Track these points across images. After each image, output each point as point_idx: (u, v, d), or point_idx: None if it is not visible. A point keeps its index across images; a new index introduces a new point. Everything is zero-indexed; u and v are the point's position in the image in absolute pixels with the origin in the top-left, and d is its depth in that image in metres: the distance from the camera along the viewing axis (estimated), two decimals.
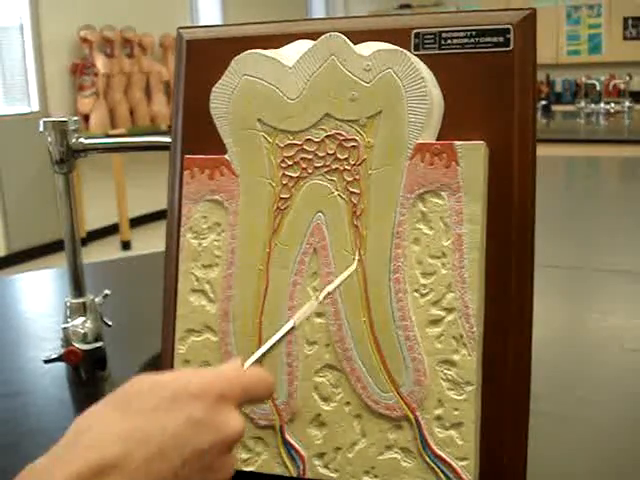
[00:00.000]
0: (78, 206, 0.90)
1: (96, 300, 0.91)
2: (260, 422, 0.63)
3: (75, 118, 0.87)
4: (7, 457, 0.74)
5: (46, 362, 0.88)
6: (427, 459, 0.58)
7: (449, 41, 0.61)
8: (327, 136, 0.62)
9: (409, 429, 0.59)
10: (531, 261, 0.59)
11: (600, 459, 0.68)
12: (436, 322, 0.59)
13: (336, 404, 0.61)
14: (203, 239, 0.66)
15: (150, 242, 5.26)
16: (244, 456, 0.63)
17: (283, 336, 0.55)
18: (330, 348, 0.61)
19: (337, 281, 0.60)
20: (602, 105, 4.86)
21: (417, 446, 0.59)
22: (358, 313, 0.60)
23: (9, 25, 5.19)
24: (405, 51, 0.60)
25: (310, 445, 0.62)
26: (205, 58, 0.68)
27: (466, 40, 0.61)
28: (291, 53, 0.64)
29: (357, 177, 0.61)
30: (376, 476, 0.60)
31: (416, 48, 0.62)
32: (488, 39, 0.60)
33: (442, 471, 0.58)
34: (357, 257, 0.61)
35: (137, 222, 5.88)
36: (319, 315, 0.62)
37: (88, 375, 0.89)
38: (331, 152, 0.62)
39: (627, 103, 4.77)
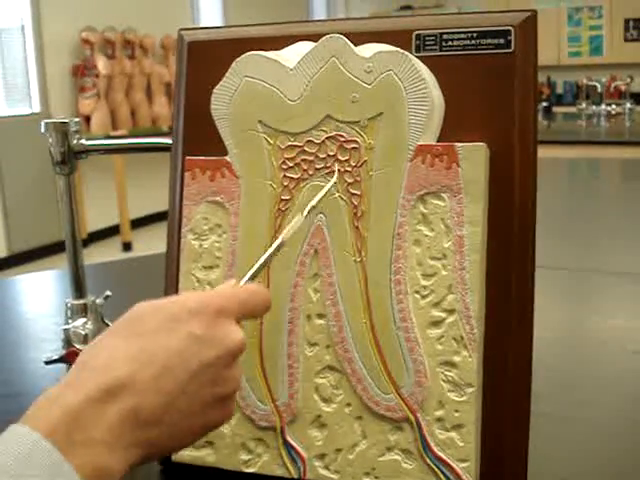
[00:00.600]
0: (79, 207, 0.90)
1: (97, 301, 0.91)
2: (261, 423, 0.63)
3: (76, 119, 0.87)
4: None
5: (47, 363, 0.88)
6: (428, 460, 0.58)
7: (450, 43, 0.61)
8: (328, 138, 0.62)
9: (410, 430, 0.59)
10: (532, 262, 0.59)
11: (601, 460, 0.68)
12: (437, 323, 0.59)
13: (337, 405, 0.61)
14: (204, 240, 0.66)
15: (151, 243, 5.27)
16: (245, 457, 0.63)
17: (274, 252, 0.55)
18: (331, 349, 0.61)
19: (321, 193, 0.59)
20: (603, 107, 4.86)
21: (418, 447, 0.59)
22: (359, 314, 0.60)
23: (10, 26, 5.20)
24: (406, 53, 0.60)
25: (311, 446, 0.62)
26: (206, 59, 0.68)
27: (467, 42, 0.61)
28: (292, 55, 0.64)
29: (358, 178, 0.61)
30: (377, 477, 0.60)
31: (417, 50, 0.62)
32: (489, 41, 0.60)
33: (443, 472, 0.58)
34: (358, 259, 0.61)
35: (138, 223, 5.88)
36: (320, 316, 0.62)
37: None
38: (332, 154, 0.62)
39: (628, 105, 4.76)
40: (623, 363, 0.90)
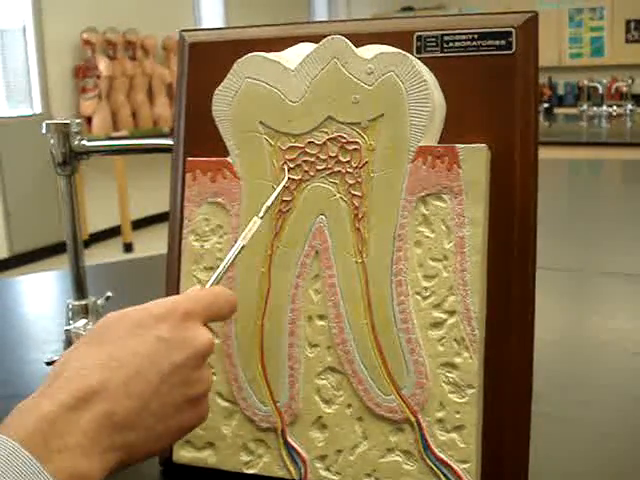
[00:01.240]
0: (80, 208, 0.90)
1: (98, 302, 0.91)
2: (262, 424, 0.63)
3: (78, 120, 0.87)
4: None
5: (48, 364, 0.88)
6: (428, 462, 0.58)
7: (451, 44, 0.61)
8: (329, 139, 0.62)
9: (411, 432, 0.59)
10: (533, 263, 0.59)
11: (601, 460, 0.68)
12: (438, 325, 0.59)
13: (338, 407, 0.61)
14: (205, 241, 0.66)
15: (152, 244, 5.27)
16: (245, 459, 0.63)
17: (235, 256, 0.57)
18: (332, 351, 0.61)
19: (275, 193, 0.61)
20: (604, 108, 4.86)
21: (418, 449, 0.59)
22: (360, 315, 0.60)
23: (12, 28, 5.20)
24: (407, 54, 0.60)
25: (312, 448, 0.62)
26: (207, 61, 0.68)
27: (468, 43, 0.61)
28: (293, 56, 0.64)
29: (359, 180, 0.61)
30: (377, 479, 0.60)
31: (418, 51, 0.62)
32: (490, 42, 0.60)
33: (443, 474, 0.58)
34: (359, 260, 0.61)
35: (139, 224, 5.89)
36: (321, 317, 0.62)
37: None
38: (333, 155, 0.62)
39: (629, 106, 4.77)
40: (623, 364, 0.90)
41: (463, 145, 0.59)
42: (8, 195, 5.00)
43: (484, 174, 0.58)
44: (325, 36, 0.62)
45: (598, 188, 2.51)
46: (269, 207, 0.60)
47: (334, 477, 0.61)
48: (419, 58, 0.61)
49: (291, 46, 0.65)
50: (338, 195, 0.62)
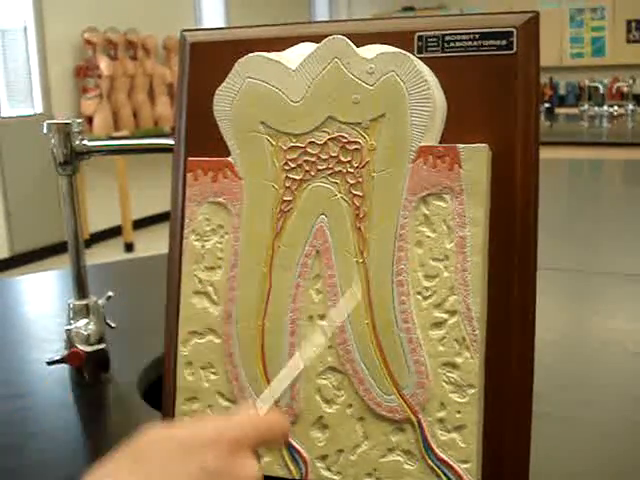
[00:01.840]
0: (81, 208, 0.91)
1: (99, 302, 0.91)
2: None
3: (79, 120, 0.87)
4: (11, 458, 0.74)
5: (49, 364, 0.88)
6: (429, 461, 0.58)
7: (452, 44, 0.61)
8: (330, 139, 0.62)
9: (411, 431, 0.59)
10: (534, 263, 0.59)
11: (601, 460, 0.68)
12: (439, 325, 0.59)
13: (339, 406, 0.61)
14: (206, 241, 0.66)
15: (153, 244, 5.27)
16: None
17: (295, 379, 0.53)
18: (333, 350, 0.61)
19: (344, 313, 0.59)
20: (605, 108, 4.85)
21: (419, 448, 0.59)
22: (361, 315, 0.60)
23: (13, 27, 5.20)
24: (408, 54, 0.60)
25: (313, 447, 0.62)
26: (208, 60, 0.68)
27: (469, 43, 0.61)
28: (294, 56, 0.64)
29: (360, 180, 0.61)
30: (378, 478, 0.60)
31: (419, 51, 0.62)
32: (491, 42, 0.60)
33: (444, 473, 0.58)
34: (360, 260, 0.61)
35: (140, 224, 5.88)
36: (322, 317, 0.62)
37: (91, 377, 0.89)
38: (334, 155, 0.62)
39: (630, 106, 4.76)
40: (623, 364, 0.90)
41: (464, 145, 0.59)
42: (9, 195, 5.00)
43: (485, 174, 0.58)
44: (326, 36, 0.62)
45: (599, 188, 2.51)
46: (337, 327, 0.59)
47: (335, 477, 0.61)
48: (420, 58, 0.61)
49: (292, 46, 0.65)
50: (339, 195, 0.62)
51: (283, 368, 0.53)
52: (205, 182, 0.66)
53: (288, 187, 0.63)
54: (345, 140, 0.62)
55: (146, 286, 1.33)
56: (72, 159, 0.86)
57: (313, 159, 0.62)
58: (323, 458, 0.61)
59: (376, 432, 0.60)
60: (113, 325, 0.92)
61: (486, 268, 0.59)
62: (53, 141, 0.86)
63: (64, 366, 0.90)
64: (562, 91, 7.55)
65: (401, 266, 0.60)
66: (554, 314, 1.08)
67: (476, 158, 0.58)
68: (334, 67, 0.62)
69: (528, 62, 0.59)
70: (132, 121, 5.84)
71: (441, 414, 0.58)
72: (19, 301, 1.37)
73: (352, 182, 0.61)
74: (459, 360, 0.58)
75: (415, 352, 0.59)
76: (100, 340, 0.90)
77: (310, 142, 0.63)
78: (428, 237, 0.59)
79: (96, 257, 4.87)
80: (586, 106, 4.81)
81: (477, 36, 0.61)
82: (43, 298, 1.37)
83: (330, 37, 0.62)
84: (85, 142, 0.87)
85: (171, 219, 0.69)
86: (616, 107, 4.88)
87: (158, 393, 0.71)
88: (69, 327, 0.89)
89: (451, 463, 0.58)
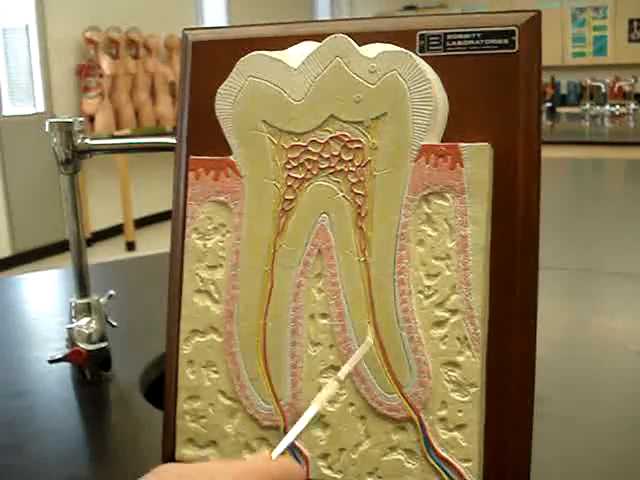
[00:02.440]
0: (83, 207, 0.91)
1: (101, 300, 0.91)
2: (264, 423, 0.63)
3: (80, 119, 0.87)
4: (12, 457, 0.74)
5: (51, 362, 0.88)
6: (431, 460, 0.58)
7: (454, 43, 0.61)
8: (332, 137, 0.62)
9: (413, 430, 0.59)
10: (535, 263, 0.59)
11: (602, 460, 0.68)
12: (440, 324, 0.59)
13: (340, 405, 0.61)
14: (208, 240, 0.66)
15: (155, 243, 5.28)
16: (248, 457, 0.63)
17: (310, 422, 0.52)
18: (334, 349, 0.61)
19: (357, 357, 0.59)
20: (607, 107, 4.85)
21: (421, 447, 0.59)
22: (362, 314, 0.60)
23: (15, 26, 5.20)
24: (410, 53, 0.60)
25: (314, 446, 0.62)
26: (210, 59, 0.68)
27: (471, 42, 0.61)
28: (296, 54, 0.64)
29: (362, 178, 0.61)
30: (380, 477, 0.60)
31: (421, 50, 0.62)
32: (493, 41, 0.60)
33: (446, 472, 0.58)
34: (362, 259, 0.61)
35: (142, 223, 5.89)
36: (323, 316, 0.62)
37: (93, 375, 0.90)
38: (336, 153, 0.62)
39: (632, 105, 4.76)
40: (624, 363, 0.90)
41: (466, 144, 0.59)
42: (11, 193, 5.01)
43: (487, 173, 0.58)
44: (328, 35, 0.62)
45: (600, 187, 2.51)
46: (350, 372, 0.58)
47: (336, 475, 0.61)
48: (422, 57, 0.61)
49: (294, 45, 0.65)
50: (341, 194, 0.62)
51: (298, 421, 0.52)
52: (207, 181, 0.66)
53: (290, 186, 0.63)
54: (347, 139, 0.62)
55: (147, 285, 1.33)
56: (74, 158, 0.86)
57: (315, 158, 0.62)
58: (324, 457, 0.61)
59: (377, 431, 0.60)
60: (115, 324, 0.92)
61: (488, 267, 0.59)
62: (55, 140, 0.86)
63: (65, 365, 0.90)
64: (564, 90, 7.55)
65: (402, 265, 0.60)
66: (555, 313, 1.08)
67: (478, 157, 0.58)
68: (336, 66, 0.62)
69: (530, 61, 0.59)
70: (134, 120, 5.85)
71: (442, 413, 0.58)
72: (21, 300, 1.38)
73: (354, 181, 0.61)
74: (461, 359, 0.58)
75: (416, 351, 0.59)
76: (101, 339, 0.90)
77: (312, 141, 0.63)
78: (430, 236, 0.59)
79: (98, 256, 4.87)
80: (588, 105, 4.81)
81: (479, 35, 0.61)
82: (45, 297, 1.37)
83: (332, 36, 0.62)
84: (87, 141, 0.87)
85: (173, 218, 0.69)
86: (618, 106, 4.89)
87: (160, 392, 0.71)
88: (71, 326, 0.89)
89: (452, 462, 0.58)
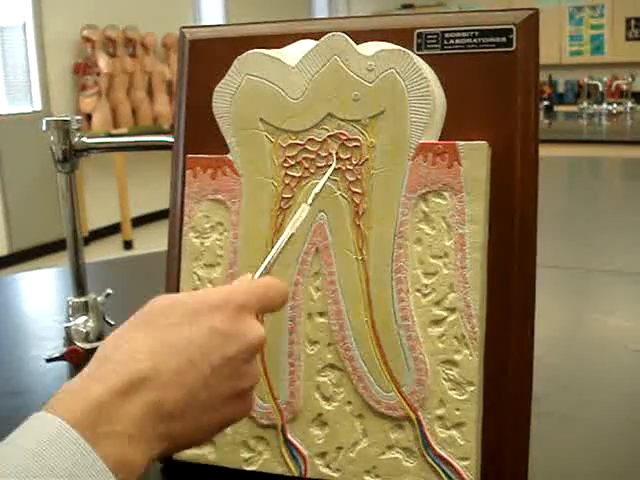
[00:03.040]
0: (80, 205, 0.90)
1: (98, 299, 0.91)
2: (262, 421, 0.63)
3: (78, 117, 0.87)
4: None
5: (48, 361, 0.88)
6: (428, 459, 0.59)
7: (452, 41, 0.61)
8: (329, 136, 0.62)
9: (411, 429, 0.59)
10: (533, 261, 0.59)
11: (601, 460, 0.68)
12: (438, 322, 0.59)
13: (338, 404, 0.61)
14: (205, 238, 0.66)
15: (152, 241, 5.27)
16: (246, 455, 0.63)
17: (284, 244, 0.54)
18: (332, 348, 0.61)
19: (323, 179, 0.59)
20: (604, 106, 4.85)
21: (418, 446, 0.59)
22: (360, 313, 0.60)
23: (12, 24, 5.19)
24: (408, 51, 0.60)
25: (312, 445, 0.62)
26: (208, 57, 0.68)
27: (469, 40, 0.61)
28: (294, 53, 0.64)
29: (359, 177, 0.61)
30: (377, 476, 0.60)
31: (419, 48, 0.62)
32: (491, 39, 0.60)
33: (443, 471, 0.58)
34: (359, 257, 0.61)
35: (139, 221, 5.88)
36: (321, 314, 0.62)
37: None
38: (333, 152, 0.62)
39: (629, 104, 4.77)
40: (623, 362, 0.90)
41: (464, 142, 0.59)
42: (8, 192, 5.00)
43: (485, 171, 0.58)
44: (325, 33, 0.62)
45: (598, 186, 2.51)
46: (317, 194, 0.58)
47: (334, 474, 0.61)
48: (419, 55, 0.61)
49: (291, 43, 0.65)
50: (338, 192, 0.62)
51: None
52: (204, 179, 0.66)
53: (287, 184, 0.63)
54: (344, 137, 0.62)
55: (145, 283, 1.33)
56: (71, 156, 0.86)
57: (312, 156, 0.62)
58: (322, 455, 0.61)
59: (375, 429, 0.60)
60: (112, 322, 0.92)
61: (485, 265, 0.59)
62: (52, 138, 0.85)
63: (63, 363, 0.90)
64: (561, 89, 7.55)
65: (400, 263, 0.60)
66: (553, 312, 1.08)
67: (475, 155, 0.58)
68: (333, 64, 0.62)
69: (527, 59, 0.59)
70: (131, 118, 5.84)
71: (440, 411, 0.58)
72: (18, 298, 1.37)
73: (351, 179, 0.61)
74: (458, 357, 0.58)
75: (414, 349, 0.59)
76: (99, 337, 0.90)
77: (309, 139, 0.62)
78: (427, 234, 0.59)
79: (95, 254, 4.86)
80: (585, 104, 4.82)
81: (476, 33, 0.61)
82: (42, 295, 1.37)
83: (329, 34, 0.62)
84: (84, 139, 0.86)
85: (170, 216, 0.69)
86: (615, 105, 4.89)
87: None
88: (68, 324, 0.89)
89: (450, 460, 0.58)
